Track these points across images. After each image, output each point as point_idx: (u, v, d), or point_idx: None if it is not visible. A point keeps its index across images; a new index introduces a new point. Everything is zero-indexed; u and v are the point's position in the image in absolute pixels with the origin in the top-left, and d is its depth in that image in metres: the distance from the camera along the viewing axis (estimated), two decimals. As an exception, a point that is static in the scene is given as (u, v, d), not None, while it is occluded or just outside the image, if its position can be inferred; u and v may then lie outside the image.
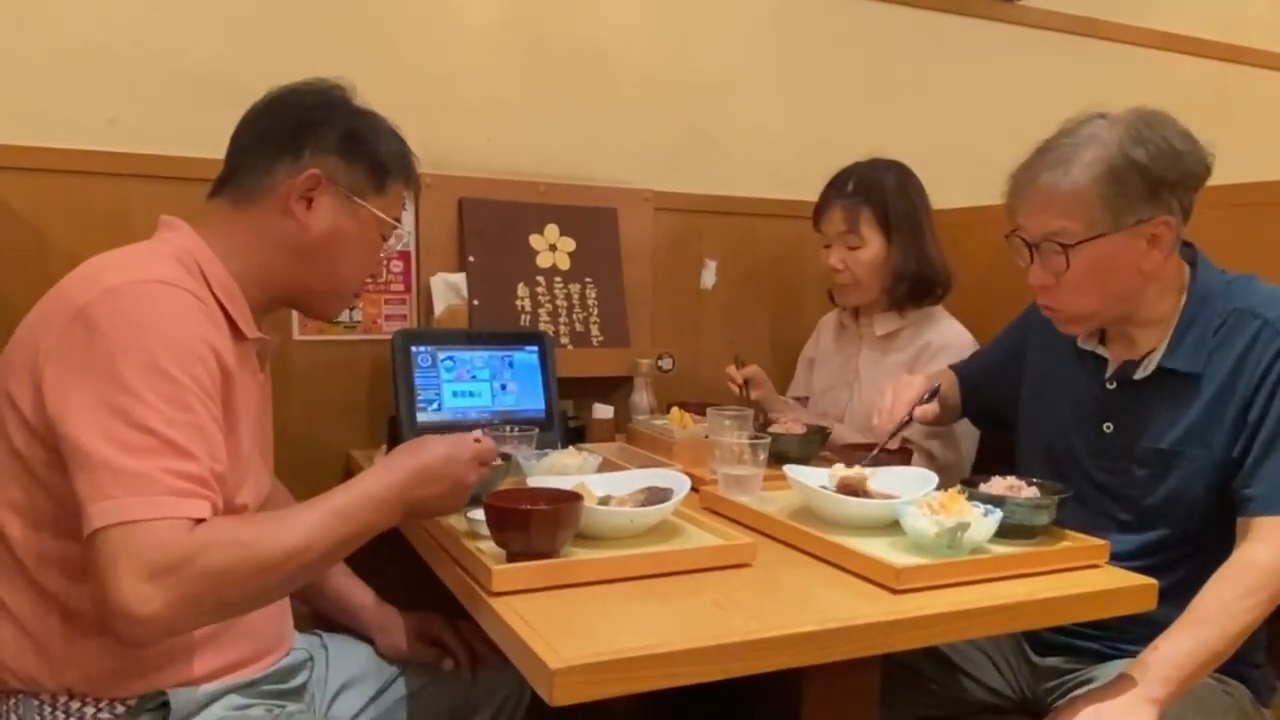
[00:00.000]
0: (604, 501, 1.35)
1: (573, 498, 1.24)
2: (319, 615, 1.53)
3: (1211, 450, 1.41)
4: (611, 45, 2.25)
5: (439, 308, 2.01)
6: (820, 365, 2.25)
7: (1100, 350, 1.55)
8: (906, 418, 1.59)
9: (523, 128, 2.17)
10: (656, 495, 1.36)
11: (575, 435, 2.00)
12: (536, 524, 1.16)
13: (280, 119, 1.28)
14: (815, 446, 1.84)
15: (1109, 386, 1.52)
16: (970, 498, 1.35)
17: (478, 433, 1.26)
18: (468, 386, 1.89)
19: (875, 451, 1.63)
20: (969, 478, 1.47)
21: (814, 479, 1.51)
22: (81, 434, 1.00)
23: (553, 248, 2.14)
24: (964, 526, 1.27)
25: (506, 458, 1.45)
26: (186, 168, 1.84)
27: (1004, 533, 1.33)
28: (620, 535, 1.29)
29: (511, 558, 1.17)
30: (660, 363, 2.15)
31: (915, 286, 2.04)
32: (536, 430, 1.67)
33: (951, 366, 1.88)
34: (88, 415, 1.01)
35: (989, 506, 1.33)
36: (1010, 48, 2.79)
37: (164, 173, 1.85)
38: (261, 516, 1.14)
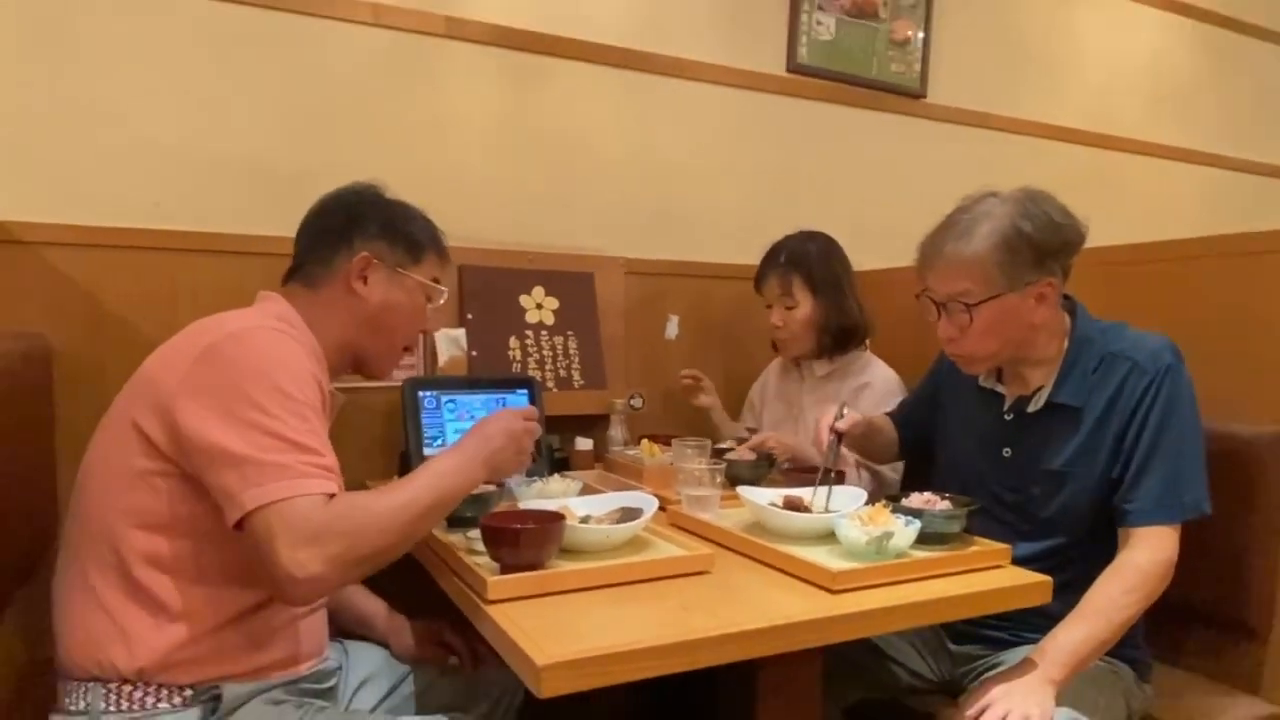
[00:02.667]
0: (584, 520, 1.34)
1: (556, 517, 1.23)
2: (342, 629, 1.51)
3: (1094, 471, 1.43)
4: (590, 136, 2.28)
5: (443, 358, 2.01)
6: (769, 404, 2.26)
7: (999, 388, 1.57)
8: (833, 436, 1.59)
9: (515, 206, 2.19)
10: (629, 514, 1.35)
11: (560, 464, 1.99)
12: (525, 541, 1.16)
13: (331, 217, 1.36)
14: (764, 470, 1.84)
15: (1007, 418, 1.54)
16: (894, 511, 1.36)
17: (528, 408, 1.35)
18: (468, 425, 1.88)
19: (821, 478, 1.62)
20: (893, 494, 1.48)
21: (763, 498, 1.51)
22: (226, 441, 1.05)
23: (539, 306, 2.15)
24: (889, 535, 1.28)
25: (500, 485, 1.45)
26: (219, 242, 1.85)
27: (923, 540, 1.34)
28: (598, 549, 1.29)
29: (504, 570, 1.16)
30: (632, 402, 2.16)
31: (839, 336, 2.07)
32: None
33: (888, 413, 1.89)
34: (228, 428, 1.06)
35: (910, 518, 1.34)
36: (919, 137, 2.86)
37: (200, 246, 1.85)
38: (376, 488, 1.16)
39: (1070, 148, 3.22)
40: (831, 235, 2.12)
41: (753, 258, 2.14)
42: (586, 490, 1.63)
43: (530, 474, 1.64)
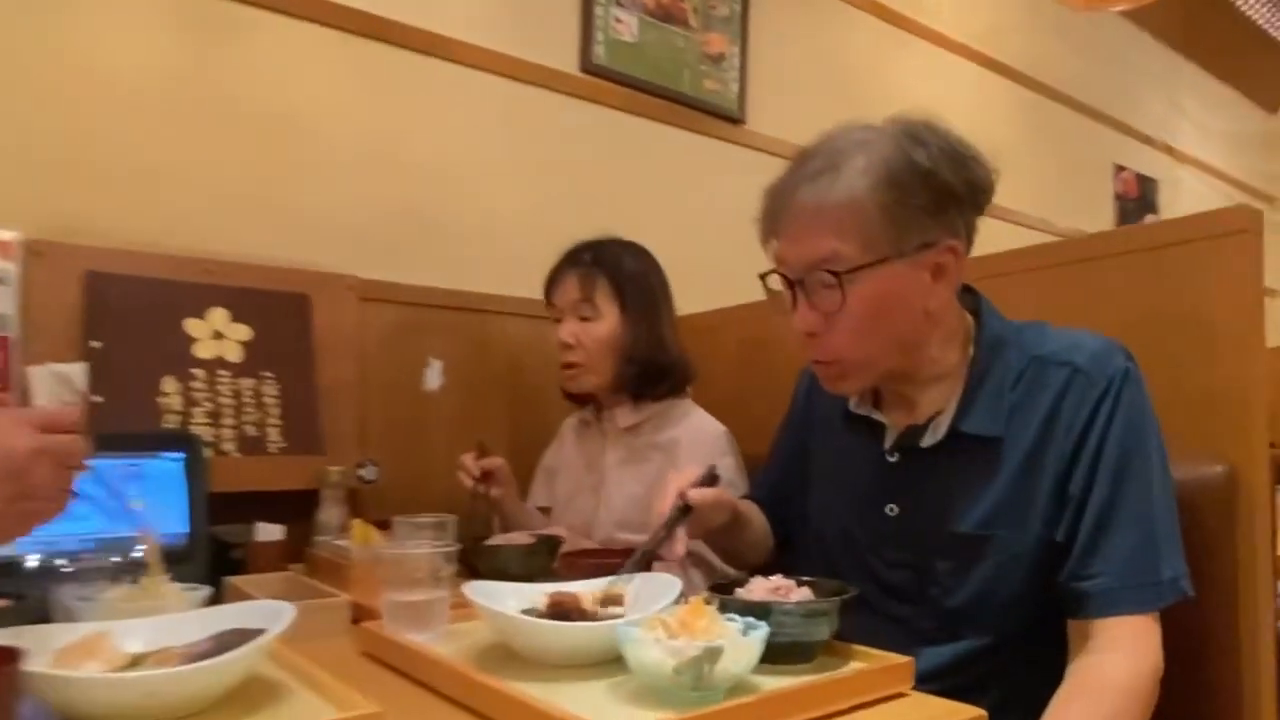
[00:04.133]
0: (140, 659, 0.68)
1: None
2: None
3: (1026, 532, 0.93)
4: (309, 117, 1.68)
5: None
6: (563, 472, 1.67)
7: (876, 415, 1.06)
8: (680, 505, 1.02)
9: (188, 196, 1.54)
10: (227, 643, 0.70)
11: (232, 565, 1.29)
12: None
13: None
14: (544, 560, 1.24)
15: (891, 460, 1.03)
16: (723, 609, 0.78)
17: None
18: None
19: (635, 561, 1.02)
20: (717, 581, 0.91)
21: (516, 598, 0.90)
22: None
23: (218, 335, 1.47)
24: (714, 654, 0.69)
25: (20, 598, 0.76)
26: None
27: (773, 656, 0.78)
28: (135, 713, 0.63)
29: None
30: (361, 472, 1.50)
31: (649, 372, 1.52)
32: (116, 561, 0.98)
33: (745, 496, 1.33)
34: None
35: (750, 620, 0.77)
36: (740, 167, 2.44)
37: None
38: None
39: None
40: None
41: (542, 288, 1.59)
42: (235, 596, 0.96)
43: (188, 579, 0.96)
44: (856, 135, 0.96)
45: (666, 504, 1.02)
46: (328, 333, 1.59)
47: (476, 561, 1.22)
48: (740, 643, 0.72)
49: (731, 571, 1.28)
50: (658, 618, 0.75)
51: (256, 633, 0.71)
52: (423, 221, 1.82)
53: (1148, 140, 4.13)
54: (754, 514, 1.24)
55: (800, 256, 0.95)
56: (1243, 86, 4.82)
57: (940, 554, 0.97)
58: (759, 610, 0.80)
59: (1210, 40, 4.39)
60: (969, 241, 0.99)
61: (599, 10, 2.14)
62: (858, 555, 1.04)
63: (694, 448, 1.47)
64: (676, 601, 0.84)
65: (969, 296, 1.05)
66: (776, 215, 0.98)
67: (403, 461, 1.66)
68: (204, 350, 1.44)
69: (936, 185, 0.92)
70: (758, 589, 0.86)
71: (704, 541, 1.20)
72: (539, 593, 0.93)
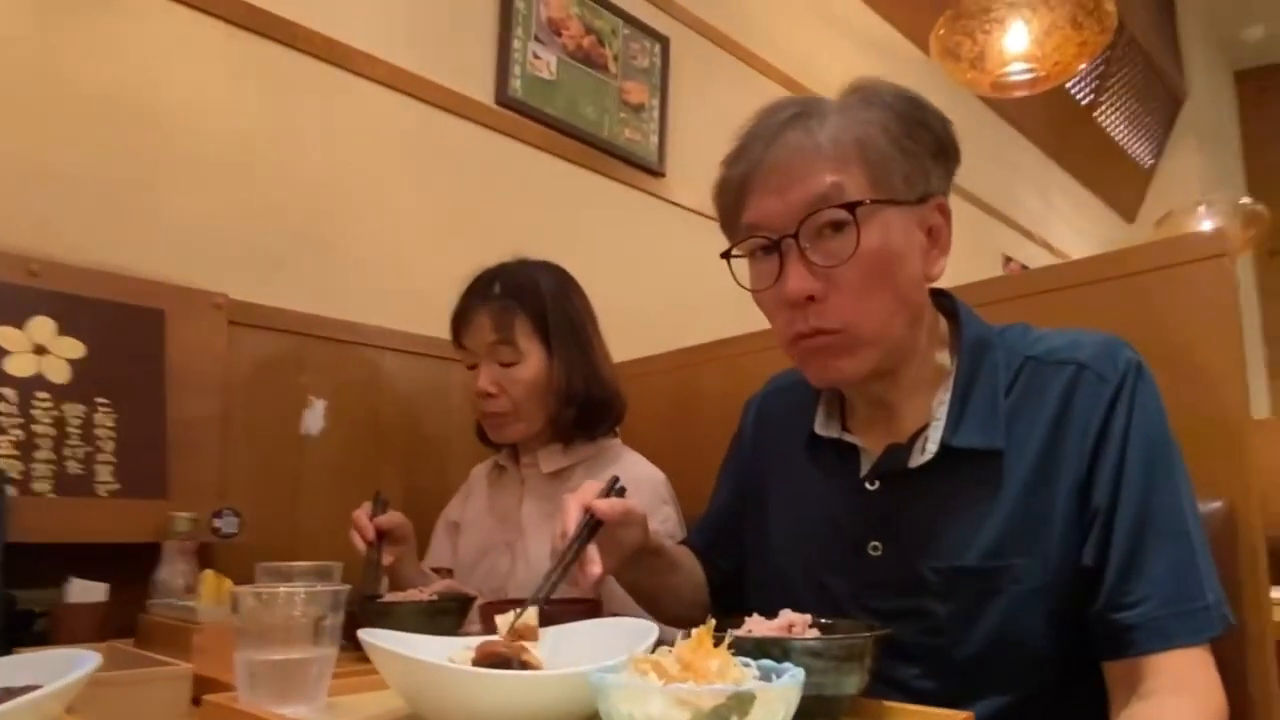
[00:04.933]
0: None
1: None
2: None
3: (1044, 558, 0.77)
4: (178, 109, 1.43)
5: None
6: (471, 527, 1.41)
7: (849, 437, 0.89)
8: (587, 521, 0.81)
9: (13, 185, 1.25)
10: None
11: (36, 638, 0.97)
12: None
13: None
14: (451, 620, 0.99)
15: (870, 487, 0.85)
16: (733, 648, 0.56)
17: None
18: None
19: (543, 588, 0.80)
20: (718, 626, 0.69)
21: (435, 653, 0.65)
22: None
23: (40, 350, 1.16)
24: (744, 703, 0.48)
25: None
26: None
27: (800, 712, 0.55)
28: None
29: None
30: (218, 523, 1.20)
31: (586, 411, 1.31)
32: None
33: (684, 542, 1.12)
34: None
35: (768, 663, 0.55)
36: (660, 221, 2.31)
37: None
38: None
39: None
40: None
41: (446, 328, 1.37)
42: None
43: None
44: (817, 104, 0.83)
45: (570, 521, 0.83)
46: (185, 357, 1.30)
47: (369, 621, 0.95)
48: (775, 691, 0.50)
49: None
50: (646, 659, 0.53)
51: (26, 690, 0.44)
52: (312, 241, 1.57)
53: (1029, 235, 4.30)
54: (684, 558, 1.04)
55: (793, 203, 0.79)
56: (1105, 195, 5.17)
57: (941, 596, 0.78)
58: (776, 649, 0.58)
59: (1076, 150, 4.69)
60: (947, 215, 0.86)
61: (516, 44, 2.00)
62: (836, 607, 0.84)
63: (631, 495, 1.25)
64: (659, 644, 0.62)
65: (942, 298, 0.91)
66: (755, 169, 0.82)
67: (271, 515, 1.37)
68: (18, 366, 1.14)
69: (936, 129, 0.81)
70: (759, 625, 0.65)
71: (624, 587, 0.98)
72: (458, 646, 0.69)
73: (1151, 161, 5.28)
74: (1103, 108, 4.65)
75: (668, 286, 2.08)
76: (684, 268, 2.20)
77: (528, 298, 1.32)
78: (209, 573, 0.97)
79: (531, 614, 0.75)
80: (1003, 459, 0.79)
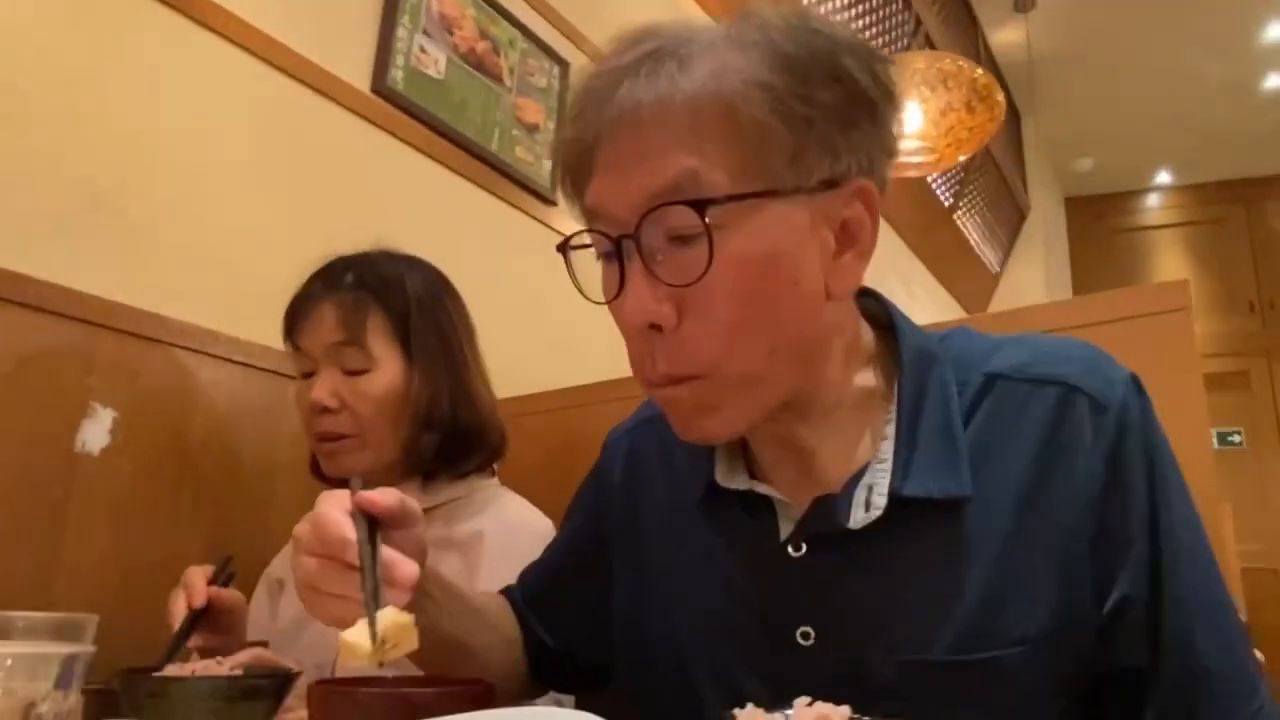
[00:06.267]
0: None
1: None
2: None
3: (1043, 644, 0.57)
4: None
5: None
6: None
7: (761, 488, 0.66)
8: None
9: None
10: None
11: None
12: None
13: None
14: (263, 707, 0.68)
15: (794, 554, 0.63)
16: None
17: None
18: None
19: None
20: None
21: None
22: None
23: None
24: None
25: None
26: None
27: None
28: None
29: None
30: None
31: (452, 440, 1.05)
32: None
33: (505, 590, 0.86)
34: None
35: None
36: (550, 252, 2.07)
37: None
38: None
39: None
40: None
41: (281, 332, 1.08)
42: None
43: None
44: (703, 26, 0.60)
45: (335, 526, 0.61)
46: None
47: (133, 707, 0.63)
48: None
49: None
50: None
51: None
52: (114, 210, 1.23)
53: (896, 321, 4.37)
54: (493, 604, 0.81)
55: (633, 192, 0.56)
56: (958, 293, 5.39)
57: (899, 699, 0.56)
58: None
59: (934, 246, 4.88)
60: (883, 187, 0.62)
61: (402, 31, 1.76)
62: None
63: (507, 547, 0.98)
64: None
65: (869, 300, 0.70)
66: (594, 141, 0.59)
67: (21, 558, 0.99)
68: None
69: (844, 77, 0.57)
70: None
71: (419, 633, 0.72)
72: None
73: (998, 269, 5.59)
74: (960, 210, 4.88)
75: (553, 320, 1.83)
76: (572, 303, 1.97)
77: (388, 292, 1.05)
78: None
79: (391, 612, 0.55)
80: (969, 509, 0.59)
